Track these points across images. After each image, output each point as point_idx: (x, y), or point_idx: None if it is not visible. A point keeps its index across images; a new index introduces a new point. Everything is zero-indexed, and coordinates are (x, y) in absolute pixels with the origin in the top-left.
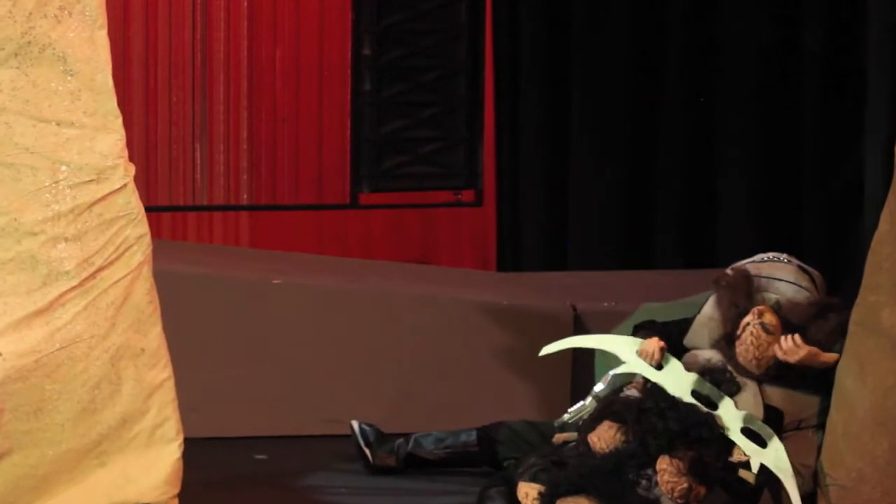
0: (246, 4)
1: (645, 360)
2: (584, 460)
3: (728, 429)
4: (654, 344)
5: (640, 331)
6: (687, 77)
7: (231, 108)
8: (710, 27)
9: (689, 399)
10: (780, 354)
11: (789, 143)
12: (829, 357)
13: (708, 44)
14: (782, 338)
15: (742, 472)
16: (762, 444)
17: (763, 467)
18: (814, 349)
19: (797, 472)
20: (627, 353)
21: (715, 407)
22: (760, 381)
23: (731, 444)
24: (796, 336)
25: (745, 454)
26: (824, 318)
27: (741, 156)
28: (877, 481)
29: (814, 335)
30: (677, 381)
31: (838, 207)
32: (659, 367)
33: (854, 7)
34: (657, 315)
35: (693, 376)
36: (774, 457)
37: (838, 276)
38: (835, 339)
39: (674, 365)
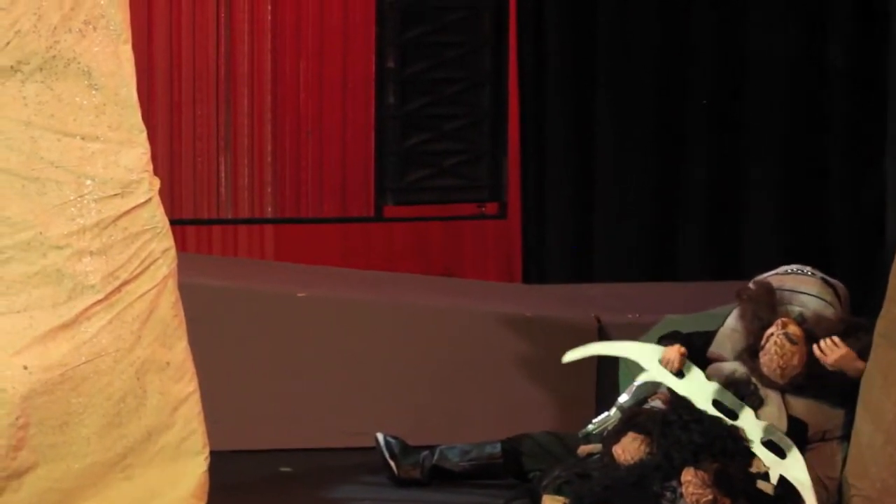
0: (270, 18)
1: (666, 367)
2: (608, 472)
3: (750, 440)
4: (675, 351)
5: (664, 342)
6: (713, 90)
7: (255, 122)
8: (736, 41)
9: (709, 407)
10: (817, 353)
11: (814, 155)
12: (863, 364)
13: (734, 57)
14: (822, 340)
15: (760, 483)
16: (783, 454)
17: (783, 478)
18: (852, 352)
19: (822, 483)
20: (650, 361)
21: (735, 417)
22: (784, 391)
23: (753, 454)
24: (835, 337)
25: (764, 465)
26: (855, 336)
27: (766, 167)
28: None
29: None
30: (698, 389)
31: (864, 218)
32: (680, 374)
33: (876, 21)
34: (680, 327)
35: (714, 385)
36: (793, 468)
37: (866, 288)
38: (866, 358)
39: (695, 373)
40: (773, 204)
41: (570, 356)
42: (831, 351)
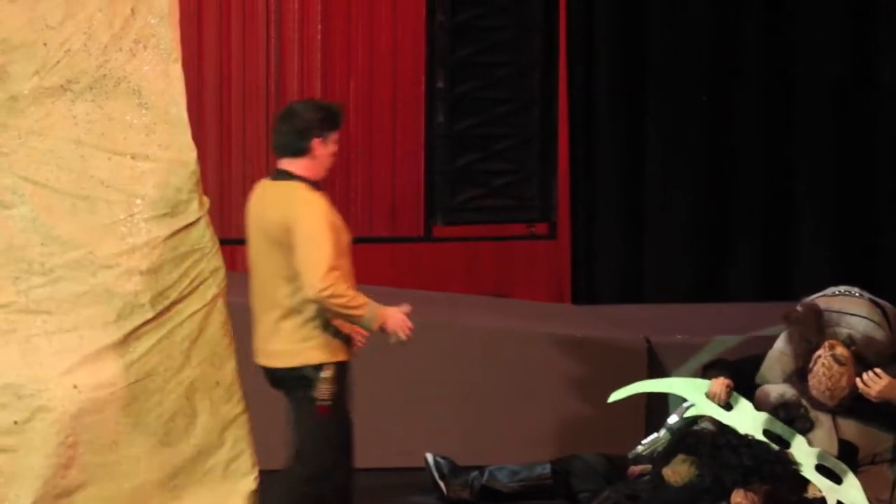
0: (319, 38)
1: (713, 401)
2: (657, 493)
3: (801, 465)
4: (720, 384)
5: (710, 370)
6: (764, 111)
7: None
8: (785, 62)
9: (760, 437)
10: (860, 386)
11: (864, 176)
12: None
13: (783, 77)
14: (864, 373)
15: None
16: (837, 480)
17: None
18: (894, 381)
19: None
20: (696, 395)
21: (787, 445)
22: (835, 414)
23: (806, 480)
24: (877, 369)
25: (819, 491)
26: None
27: (817, 188)
28: None
29: (892, 374)
30: (748, 420)
31: None
32: (728, 406)
33: None
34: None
35: (764, 415)
36: (849, 493)
37: None
38: None
39: (743, 405)
40: (824, 224)
41: (617, 396)
42: (874, 383)
